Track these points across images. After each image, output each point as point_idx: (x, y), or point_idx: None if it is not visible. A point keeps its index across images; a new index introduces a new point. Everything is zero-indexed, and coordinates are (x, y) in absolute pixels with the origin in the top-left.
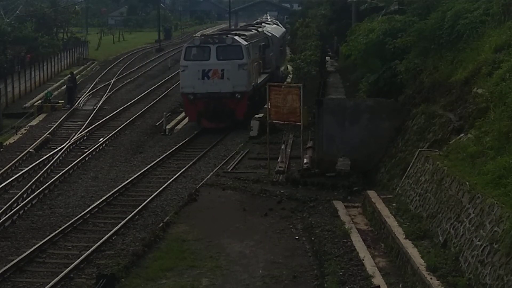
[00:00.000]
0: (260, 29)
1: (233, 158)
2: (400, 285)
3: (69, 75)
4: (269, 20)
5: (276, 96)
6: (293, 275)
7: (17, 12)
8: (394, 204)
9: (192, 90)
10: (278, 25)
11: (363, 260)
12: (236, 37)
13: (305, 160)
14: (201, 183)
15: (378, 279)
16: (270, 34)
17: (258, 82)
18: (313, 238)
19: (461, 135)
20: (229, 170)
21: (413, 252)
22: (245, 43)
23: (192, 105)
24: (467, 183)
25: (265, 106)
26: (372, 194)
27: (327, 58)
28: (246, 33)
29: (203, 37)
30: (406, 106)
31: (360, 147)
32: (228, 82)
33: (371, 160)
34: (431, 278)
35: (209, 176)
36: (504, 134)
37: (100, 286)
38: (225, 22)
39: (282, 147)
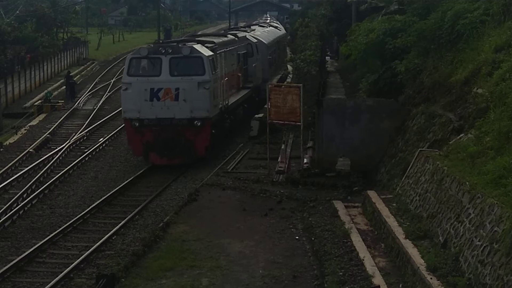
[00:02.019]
0: (240, 35)
1: (233, 158)
2: (400, 285)
3: (67, 73)
4: (268, 20)
5: (276, 96)
6: (293, 275)
7: (17, 12)
8: (394, 204)
9: (137, 115)
10: (274, 26)
11: (363, 260)
12: (197, 46)
13: (305, 160)
14: (201, 183)
15: (378, 279)
16: (255, 40)
17: (230, 102)
18: (313, 238)
19: (461, 135)
20: (229, 170)
21: (413, 252)
22: (209, 53)
23: (137, 134)
24: (467, 183)
25: (265, 106)
26: (372, 194)
27: (327, 58)
28: (216, 40)
29: (152, 46)
30: (406, 106)
31: (360, 147)
32: (184, 105)
33: (371, 160)
34: (431, 278)
35: (209, 176)
36: (504, 134)
37: (100, 286)
38: (225, 22)
39: (282, 147)
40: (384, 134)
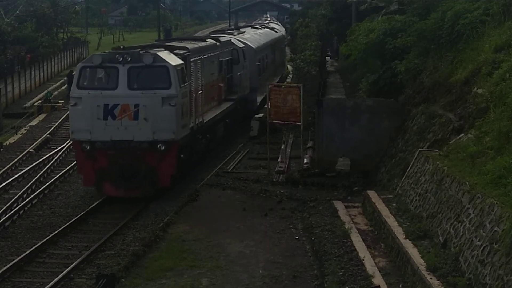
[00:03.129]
0: (223, 39)
1: (233, 158)
2: (400, 285)
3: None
4: (267, 21)
5: (276, 96)
6: (293, 275)
7: (17, 12)
8: (394, 204)
9: (87, 137)
10: (270, 28)
11: (363, 260)
12: (162, 54)
13: (305, 160)
14: (201, 183)
15: (378, 279)
16: (241, 45)
17: (207, 119)
18: (313, 238)
19: (461, 135)
20: (229, 170)
21: (413, 252)
22: (177, 62)
23: (89, 160)
24: (467, 183)
25: (265, 106)
26: (372, 194)
27: (327, 58)
28: (190, 46)
29: (107, 53)
30: (406, 106)
31: (360, 147)
32: (145, 125)
33: (371, 160)
34: (431, 278)
35: (209, 176)
36: (504, 134)
37: (100, 286)
38: (225, 22)
39: (282, 147)
40: (384, 134)
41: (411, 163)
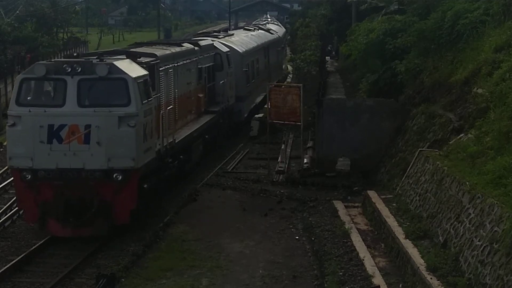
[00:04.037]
0: (204, 43)
1: (233, 158)
2: (400, 285)
3: None
4: (265, 21)
5: (276, 96)
6: (293, 275)
7: (17, 12)
8: (394, 204)
9: (28, 164)
10: (266, 29)
11: (363, 260)
12: (121, 63)
13: (305, 160)
14: (201, 183)
15: (378, 279)
16: (225, 49)
17: (180, 138)
18: (313, 238)
19: (461, 135)
20: (229, 170)
21: (413, 252)
22: (139, 73)
23: (30, 192)
24: (467, 183)
25: (265, 106)
26: (372, 194)
27: (327, 58)
28: (160, 52)
29: (53, 62)
30: (406, 106)
31: (360, 147)
32: (98, 150)
33: (371, 160)
34: (431, 278)
35: (209, 176)
36: (504, 134)
37: (100, 286)
38: (225, 22)
39: (282, 147)
40: (384, 134)
41: (411, 163)
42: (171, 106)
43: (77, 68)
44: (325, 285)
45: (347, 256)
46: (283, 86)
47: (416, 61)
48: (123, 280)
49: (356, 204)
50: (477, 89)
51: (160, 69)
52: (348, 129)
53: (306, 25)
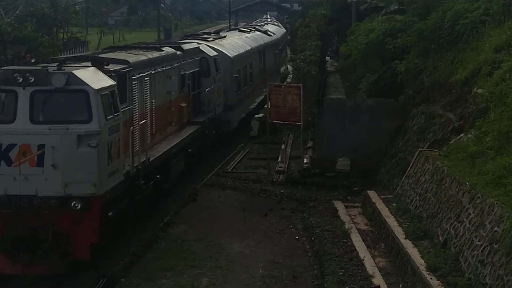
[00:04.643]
0: (188, 46)
1: (233, 158)
2: (400, 285)
3: None
4: (264, 22)
5: (276, 96)
6: (293, 275)
7: (17, 12)
8: (394, 204)
9: None
10: (263, 31)
11: (363, 260)
12: (82, 72)
13: (305, 160)
14: (201, 183)
15: (378, 279)
16: (213, 53)
17: (156, 155)
18: (313, 238)
19: (461, 135)
20: (229, 170)
21: (413, 252)
22: (104, 84)
23: None
24: (467, 183)
25: (265, 106)
26: (372, 194)
27: (327, 58)
28: (133, 58)
29: (2, 71)
30: (406, 106)
31: (360, 147)
32: (53, 174)
33: (371, 160)
34: (431, 278)
35: (209, 176)
36: (504, 134)
37: (100, 286)
38: (225, 22)
39: (282, 147)
40: (384, 134)
41: (411, 163)
42: (144, 120)
43: (30, 78)
44: (325, 285)
45: (347, 256)
46: (283, 86)
47: (416, 61)
48: (123, 280)
49: (356, 204)
50: (477, 89)
51: (133, 77)
52: (348, 129)
53: (306, 25)
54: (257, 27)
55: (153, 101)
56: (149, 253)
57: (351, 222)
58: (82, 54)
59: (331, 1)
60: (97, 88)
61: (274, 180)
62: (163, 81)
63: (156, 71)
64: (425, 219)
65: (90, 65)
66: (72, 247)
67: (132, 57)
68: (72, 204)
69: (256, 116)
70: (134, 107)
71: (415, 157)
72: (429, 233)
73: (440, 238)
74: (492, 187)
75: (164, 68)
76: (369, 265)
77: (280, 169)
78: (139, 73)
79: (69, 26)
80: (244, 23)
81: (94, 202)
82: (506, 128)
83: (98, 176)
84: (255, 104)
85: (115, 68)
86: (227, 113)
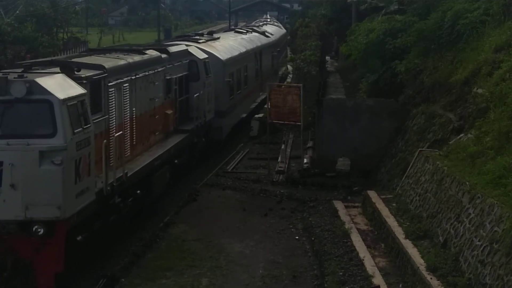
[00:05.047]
0: (174, 49)
1: (233, 158)
2: (400, 285)
3: None
4: (263, 22)
5: (276, 96)
6: (293, 275)
7: (17, 12)
8: (394, 204)
9: None
10: (261, 32)
11: (363, 260)
12: (46, 79)
13: (305, 160)
14: (201, 183)
15: (378, 279)
16: (203, 56)
17: (135, 170)
18: (313, 238)
19: (461, 135)
20: (229, 170)
21: (413, 252)
22: (71, 93)
23: None
24: (467, 183)
25: (265, 106)
26: (372, 194)
27: (327, 58)
28: (110, 63)
29: None
30: (406, 106)
31: (360, 147)
32: (12, 195)
33: (371, 160)
34: (431, 278)
35: (209, 176)
36: (504, 134)
37: (100, 286)
38: (225, 22)
39: (282, 147)
40: (384, 134)
41: (411, 163)
42: (121, 132)
43: None
44: (325, 285)
45: (347, 256)
46: (283, 86)
47: (416, 61)
48: (123, 280)
49: (356, 204)
50: (477, 89)
51: (110, 84)
52: (348, 129)
53: (306, 25)
54: (254, 28)
55: (134, 109)
56: (149, 253)
57: (351, 222)
58: (53, 58)
59: (331, 1)
60: (63, 97)
61: (274, 180)
62: (145, 87)
63: (137, 76)
64: (425, 219)
65: (59, 71)
66: (34, 277)
67: (109, 61)
68: (34, 229)
69: (256, 116)
70: (110, 116)
71: (415, 157)
72: (429, 233)
73: (440, 238)
74: (492, 187)
75: (147, 73)
76: (369, 265)
77: (280, 169)
78: (117, 79)
79: (69, 26)
80: (244, 23)
81: (59, 227)
82: (506, 128)
83: (63, 197)
84: (250, 109)
85: (87, 74)
86: (219, 119)
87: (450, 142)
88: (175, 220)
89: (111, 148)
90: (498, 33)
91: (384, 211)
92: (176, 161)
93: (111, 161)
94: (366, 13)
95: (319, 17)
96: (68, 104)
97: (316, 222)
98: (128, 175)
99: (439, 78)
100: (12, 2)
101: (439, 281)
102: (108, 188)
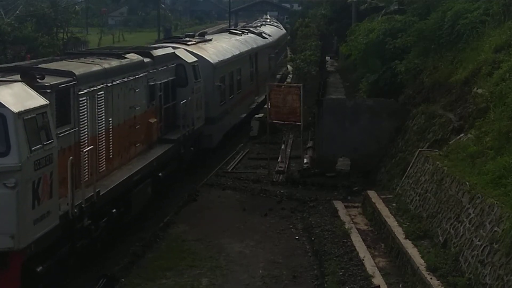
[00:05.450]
0: (159, 52)
1: (233, 158)
2: (400, 285)
3: None
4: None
5: (276, 96)
6: (293, 275)
7: (17, 12)
8: (394, 204)
9: None
10: (257, 33)
11: (363, 260)
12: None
13: (305, 160)
14: (201, 183)
15: (378, 279)
16: (191, 60)
17: (109, 187)
18: (313, 238)
19: (461, 135)
20: (229, 170)
21: (413, 252)
22: (29, 105)
23: None
24: (467, 183)
25: (265, 106)
26: (372, 194)
27: (327, 58)
28: (80, 70)
29: None
30: (406, 106)
31: (360, 147)
32: None
33: (371, 160)
34: (431, 278)
35: (209, 176)
36: (504, 134)
37: (100, 286)
38: (225, 22)
39: (282, 147)
40: (384, 134)
41: (411, 163)
42: (91, 147)
43: None
44: (325, 285)
45: (347, 256)
46: (283, 86)
47: (416, 61)
48: (123, 280)
49: (356, 204)
50: (477, 89)
51: (80, 92)
52: (348, 129)
53: (306, 25)
54: (250, 28)
55: (110, 119)
56: (149, 253)
57: (351, 222)
58: (18, 64)
59: (331, 1)
60: (18, 110)
61: (274, 180)
62: (124, 94)
63: (114, 83)
64: (425, 219)
65: (19, 79)
66: None
67: (81, 67)
68: None
69: (256, 116)
70: (81, 129)
71: (415, 157)
72: (429, 233)
73: (440, 238)
74: (492, 187)
75: (126, 79)
76: (369, 265)
77: (280, 169)
78: (89, 87)
79: (69, 26)
80: (244, 23)
81: (13, 258)
82: (506, 128)
83: (17, 225)
84: (245, 114)
85: (53, 83)
86: (209, 126)
87: (450, 142)
88: (175, 220)
89: (79, 165)
90: (498, 33)
91: (384, 211)
92: (160, 174)
93: (82, 179)
94: (366, 13)
95: (319, 17)
96: (25, 117)
97: (316, 222)
98: (101, 194)
99: (439, 78)
100: (12, 2)
101: (439, 281)
102: (75, 210)
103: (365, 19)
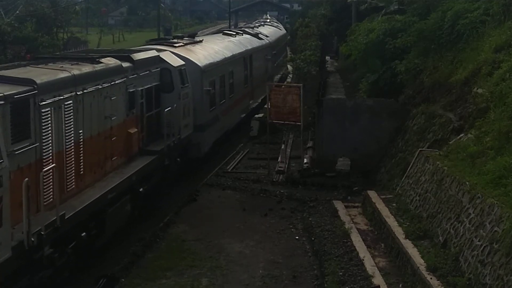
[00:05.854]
0: (142, 56)
1: (233, 158)
2: (400, 285)
3: None
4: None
5: (276, 96)
6: (293, 275)
7: (17, 12)
8: (394, 204)
9: None
10: (253, 34)
11: (363, 260)
12: None
13: (305, 160)
14: (201, 183)
15: (378, 279)
16: (178, 63)
17: (76, 209)
18: (313, 238)
19: (461, 135)
20: (229, 170)
21: (413, 252)
22: None
23: None
24: (467, 183)
25: (265, 106)
26: (372, 194)
27: (327, 58)
28: (44, 76)
29: None
30: (406, 106)
31: (360, 147)
32: None
33: (371, 160)
34: (431, 278)
35: (209, 176)
36: (504, 134)
37: (100, 286)
38: (225, 22)
39: (282, 147)
40: (384, 134)
41: (411, 163)
42: (53, 165)
43: None
44: (325, 285)
45: (347, 256)
46: (283, 86)
47: (416, 61)
48: (123, 280)
49: (356, 204)
50: (477, 89)
51: (43, 103)
52: (348, 129)
53: (306, 25)
54: (246, 29)
55: (80, 131)
56: (149, 253)
57: (351, 222)
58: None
59: (331, 1)
60: None
61: (274, 180)
62: (97, 103)
63: (85, 91)
64: (425, 219)
65: None
66: None
67: (44, 74)
68: None
69: (256, 116)
70: (44, 144)
71: (415, 157)
72: (429, 233)
73: (440, 238)
74: (492, 187)
75: (100, 86)
76: (369, 265)
77: (280, 169)
78: (54, 96)
79: (69, 26)
80: (244, 23)
81: None
82: (506, 128)
83: None
84: (238, 120)
85: (7, 93)
86: (197, 134)
87: (450, 142)
88: (175, 220)
89: (39, 186)
90: (498, 33)
91: (384, 211)
92: (141, 189)
93: (42, 202)
94: (366, 13)
95: (319, 17)
96: None
97: (316, 222)
98: (67, 217)
99: (439, 78)
100: (12, 2)
101: (439, 281)
102: (33, 239)
103: (365, 19)
